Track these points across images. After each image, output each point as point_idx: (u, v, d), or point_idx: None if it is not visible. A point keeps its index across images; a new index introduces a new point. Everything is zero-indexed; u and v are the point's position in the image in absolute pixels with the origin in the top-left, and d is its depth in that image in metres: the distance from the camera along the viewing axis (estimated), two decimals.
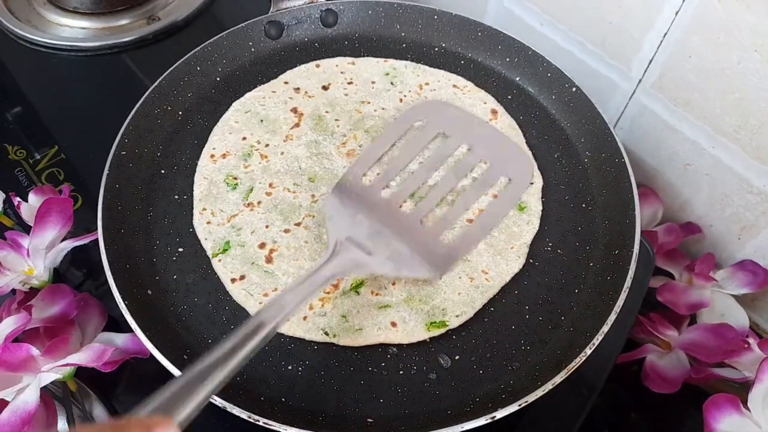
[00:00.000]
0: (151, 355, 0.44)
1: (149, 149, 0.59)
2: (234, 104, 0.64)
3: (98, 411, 0.52)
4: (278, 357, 0.47)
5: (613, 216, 0.55)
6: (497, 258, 0.53)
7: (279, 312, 0.39)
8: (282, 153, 0.59)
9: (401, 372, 0.47)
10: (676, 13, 0.58)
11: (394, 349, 0.48)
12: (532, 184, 0.58)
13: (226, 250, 0.52)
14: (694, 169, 0.64)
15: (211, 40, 0.66)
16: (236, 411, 0.41)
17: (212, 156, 0.59)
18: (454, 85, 0.66)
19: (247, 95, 0.64)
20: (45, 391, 0.49)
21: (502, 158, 0.57)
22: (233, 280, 0.51)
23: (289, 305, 0.40)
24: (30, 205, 0.60)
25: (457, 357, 0.48)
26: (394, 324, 0.49)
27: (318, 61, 0.68)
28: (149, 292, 0.50)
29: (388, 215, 0.52)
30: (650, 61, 0.63)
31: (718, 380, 0.54)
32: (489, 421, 0.41)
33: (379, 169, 0.57)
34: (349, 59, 0.69)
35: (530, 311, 0.51)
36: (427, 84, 0.66)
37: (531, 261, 0.53)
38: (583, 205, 0.57)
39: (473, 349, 0.48)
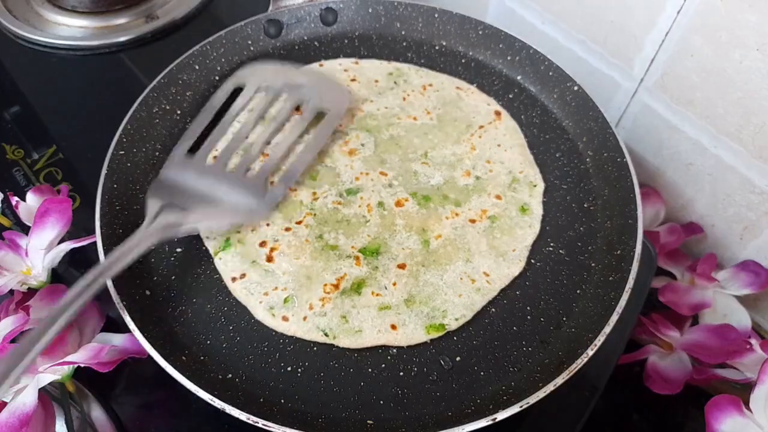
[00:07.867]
0: (149, 355, 0.43)
1: (148, 149, 0.58)
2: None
3: (97, 412, 0.51)
4: (277, 358, 0.47)
5: (615, 216, 0.55)
6: (499, 260, 0.53)
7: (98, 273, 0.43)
8: None
9: (401, 373, 0.47)
10: (678, 12, 0.57)
11: (395, 351, 0.48)
12: (535, 187, 0.58)
13: (226, 247, 0.52)
14: (696, 169, 0.64)
15: (210, 38, 0.65)
16: (235, 413, 0.41)
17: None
18: (458, 87, 0.66)
19: None
20: (43, 392, 0.48)
21: (319, 95, 0.61)
22: (234, 279, 0.51)
23: (108, 268, 0.44)
24: (28, 205, 0.59)
25: (458, 358, 0.48)
26: (394, 327, 0.48)
27: (322, 61, 0.68)
28: (147, 292, 0.49)
29: (214, 177, 0.55)
30: (652, 60, 0.62)
31: (720, 381, 0.54)
32: (490, 422, 0.41)
33: (207, 141, 0.58)
34: (353, 59, 0.68)
35: (532, 312, 0.50)
36: (430, 85, 0.66)
37: (533, 261, 0.53)
38: (585, 205, 0.57)
39: (474, 350, 0.48)
